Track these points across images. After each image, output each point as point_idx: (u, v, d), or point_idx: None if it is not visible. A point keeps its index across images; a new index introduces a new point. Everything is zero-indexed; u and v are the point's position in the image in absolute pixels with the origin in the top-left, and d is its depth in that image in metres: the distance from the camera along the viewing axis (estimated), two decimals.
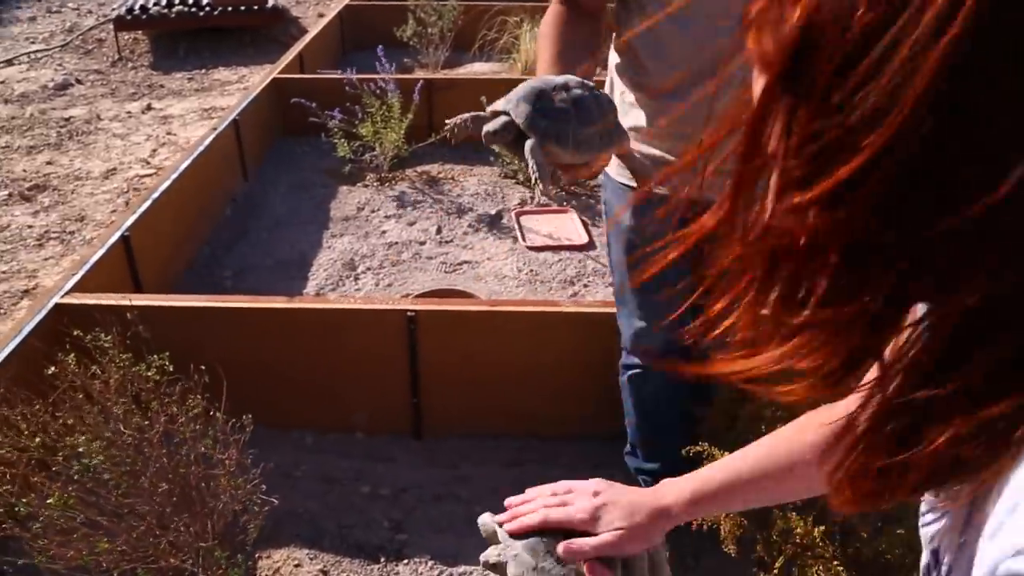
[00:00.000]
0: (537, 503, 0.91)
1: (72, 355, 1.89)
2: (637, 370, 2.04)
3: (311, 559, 2.25)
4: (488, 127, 1.26)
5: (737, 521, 1.95)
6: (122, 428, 1.78)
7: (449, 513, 2.37)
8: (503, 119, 1.25)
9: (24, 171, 4.57)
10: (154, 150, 4.88)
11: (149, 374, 1.90)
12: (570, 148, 1.26)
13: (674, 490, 0.91)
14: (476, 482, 2.36)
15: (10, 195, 4.28)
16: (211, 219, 3.92)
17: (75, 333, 1.93)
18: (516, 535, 0.88)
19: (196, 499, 1.80)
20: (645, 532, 0.88)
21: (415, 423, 2.59)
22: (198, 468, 1.82)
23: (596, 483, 0.93)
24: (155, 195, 3.25)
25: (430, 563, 2.23)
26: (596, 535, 0.87)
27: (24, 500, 1.76)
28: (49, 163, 4.67)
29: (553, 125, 1.24)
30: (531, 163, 1.23)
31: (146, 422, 1.85)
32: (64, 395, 1.86)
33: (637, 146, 1.64)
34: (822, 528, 1.81)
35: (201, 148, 3.76)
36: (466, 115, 1.32)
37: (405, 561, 2.18)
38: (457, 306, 2.32)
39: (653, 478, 2.13)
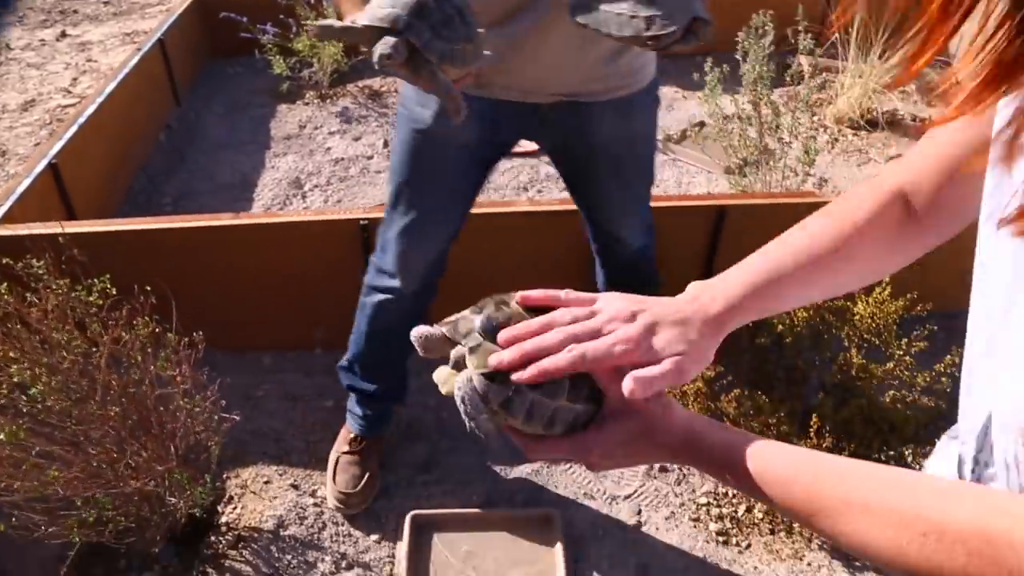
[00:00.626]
0: (557, 336, 0.71)
1: (4, 285, 1.78)
2: (388, 296, 1.93)
3: (280, 475, 2.23)
4: (380, 50, 1.17)
5: (704, 406, 1.96)
6: (64, 354, 1.69)
7: (418, 420, 2.36)
8: (392, 41, 1.16)
9: None
10: (75, 78, 4.60)
11: (91, 299, 1.81)
12: (458, 65, 1.23)
13: (718, 296, 0.74)
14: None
15: None
16: (145, 146, 3.74)
17: (4, 262, 1.82)
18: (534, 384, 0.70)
19: (154, 421, 1.74)
20: (702, 352, 0.72)
21: None
22: (151, 389, 1.75)
23: (621, 299, 0.74)
24: (80, 121, 3.06)
25: (400, 470, 2.22)
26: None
27: None
28: None
29: (448, 46, 1.19)
30: (442, 89, 1.23)
31: (95, 349, 1.77)
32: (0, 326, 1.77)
33: None
34: (786, 406, 1.84)
35: (125, 72, 3.54)
36: (335, 24, 1.25)
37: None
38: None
39: (365, 399, 2.13)
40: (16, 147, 3.89)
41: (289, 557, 2.00)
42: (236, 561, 1.99)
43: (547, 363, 0.69)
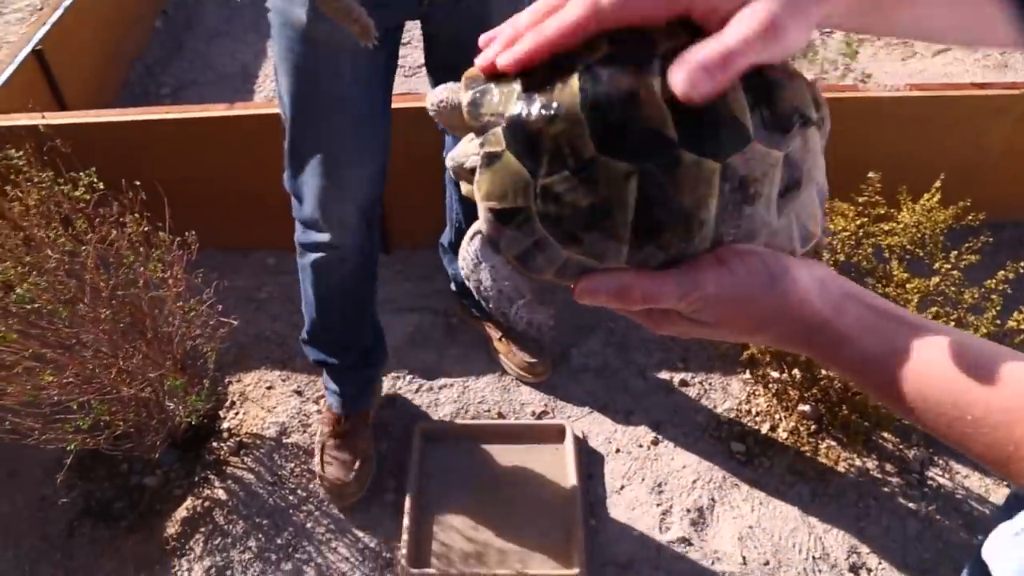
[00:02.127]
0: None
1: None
2: (321, 254, 1.66)
3: (283, 380, 2.15)
4: None
5: None
6: (49, 253, 1.58)
7: (427, 325, 2.26)
8: None
9: None
10: None
11: (77, 194, 1.69)
12: None
13: None
14: (450, 294, 2.23)
15: None
16: (140, 33, 3.52)
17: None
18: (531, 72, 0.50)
19: (148, 325, 1.64)
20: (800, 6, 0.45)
21: (383, 236, 2.41)
22: (143, 291, 1.64)
23: None
24: (66, 3, 2.85)
25: (408, 377, 2.14)
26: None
27: None
28: None
29: None
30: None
31: (82, 247, 1.65)
32: None
33: None
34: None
35: None
36: None
37: (383, 376, 2.08)
38: (411, 102, 2.07)
39: (337, 371, 1.89)
40: (7, 36, 3.69)
41: (292, 465, 1.94)
42: (238, 468, 1.93)
43: (552, 25, 0.48)
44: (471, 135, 0.54)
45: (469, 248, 0.55)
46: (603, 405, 2.07)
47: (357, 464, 1.85)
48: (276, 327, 2.28)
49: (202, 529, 1.81)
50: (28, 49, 2.59)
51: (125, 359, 1.57)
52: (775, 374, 2.00)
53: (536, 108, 0.49)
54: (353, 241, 1.63)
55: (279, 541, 1.81)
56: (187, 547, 1.79)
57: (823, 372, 1.84)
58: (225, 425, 2.03)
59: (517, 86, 0.50)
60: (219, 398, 2.08)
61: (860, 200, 1.82)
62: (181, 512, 1.84)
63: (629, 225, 0.48)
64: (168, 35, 3.63)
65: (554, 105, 0.48)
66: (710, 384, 2.10)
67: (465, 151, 0.55)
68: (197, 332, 1.86)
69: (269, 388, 2.12)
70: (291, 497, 1.88)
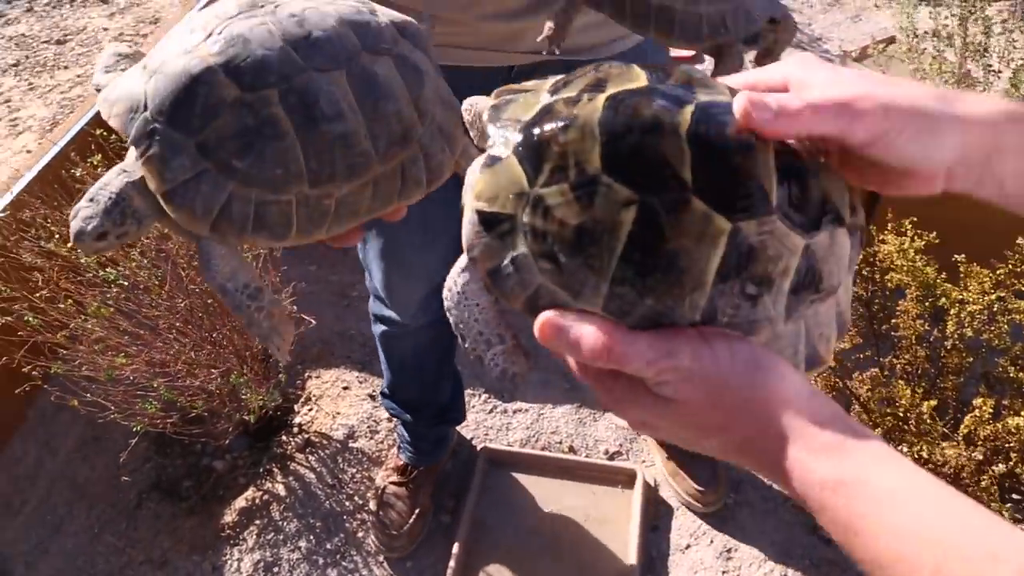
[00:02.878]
0: None
1: (99, 156, 1.73)
2: (391, 328, 1.59)
3: (360, 382, 2.14)
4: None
5: (830, 381, 1.66)
6: (142, 239, 1.63)
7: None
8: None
9: None
10: None
11: None
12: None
13: (973, 98, 0.48)
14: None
15: None
16: None
17: (98, 133, 1.76)
18: None
19: (218, 320, 1.67)
20: (919, 124, 0.45)
21: None
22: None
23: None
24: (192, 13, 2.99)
25: (484, 396, 2.08)
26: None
27: (60, 305, 1.67)
28: None
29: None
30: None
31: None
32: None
33: None
34: (932, 403, 1.51)
35: None
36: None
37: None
38: None
39: (413, 425, 1.79)
40: (168, 15, 3.92)
41: (353, 470, 1.93)
42: (301, 465, 1.94)
43: None
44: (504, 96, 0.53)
45: (457, 280, 0.52)
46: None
47: (413, 517, 1.78)
48: (362, 327, 2.27)
49: (257, 521, 1.83)
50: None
51: (195, 349, 1.59)
52: None
53: (554, 118, 0.46)
54: (424, 319, 1.52)
55: (328, 546, 1.80)
56: (241, 537, 1.81)
57: (935, 453, 1.63)
58: (297, 420, 2.04)
59: (545, 98, 0.48)
60: (295, 392, 2.10)
61: (1001, 269, 1.60)
62: (241, 501, 1.86)
63: (615, 260, 0.43)
64: None
65: (573, 115, 0.45)
66: None
67: (479, 101, 0.54)
68: None
69: (345, 388, 2.12)
70: (347, 503, 1.87)
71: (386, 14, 0.67)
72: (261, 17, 0.60)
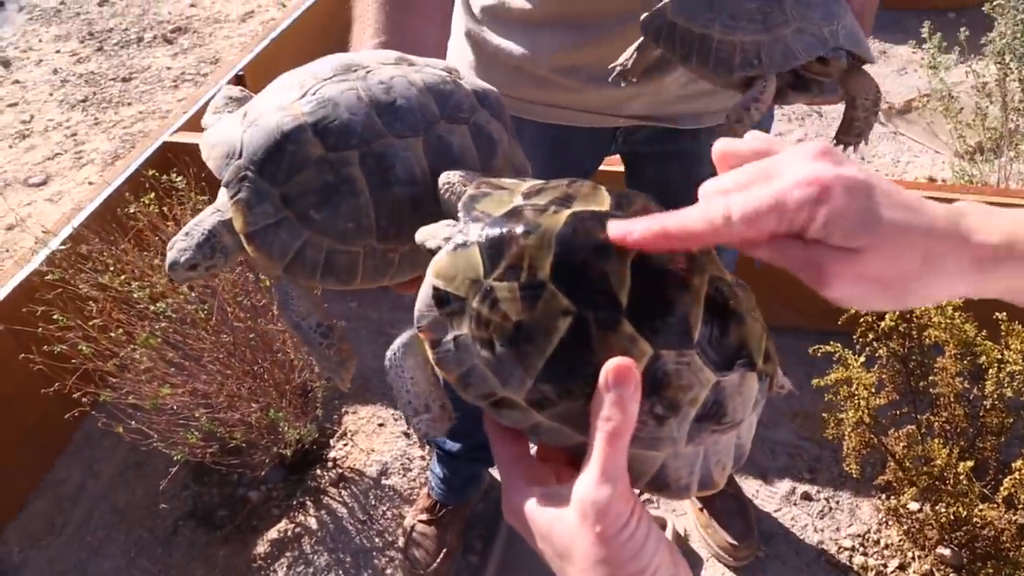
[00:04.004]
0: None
1: (152, 195, 1.81)
2: None
3: (396, 419, 2.17)
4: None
5: (864, 437, 1.64)
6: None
7: None
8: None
9: (169, 14, 4.59)
10: None
11: None
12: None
13: (981, 217, 0.48)
14: None
15: (154, 37, 4.32)
16: None
17: (150, 173, 1.84)
18: None
19: (256, 358, 1.72)
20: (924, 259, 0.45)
21: None
22: (257, 324, 1.72)
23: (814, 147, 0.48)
24: (273, 35, 3.12)
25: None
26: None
27: (111, 335, 1.74)
28: (192, 6, 4.66)
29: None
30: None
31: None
32: (142, 235, 1.81)
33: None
34: (970, 463, 1.48)
35: None
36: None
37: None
38: None
39: (448, 458, 1.78)
40: (229, 56, 4.09)
41: (385, 507, 1.95)
42: (335, 500, 1.97)
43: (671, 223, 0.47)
44: (449, 220, 0.56)
45: (397, 352, 0.57)
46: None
47: (440, 556, 1.79)
48: None
49: (288, 554, 1.86)
50: (232, 74, 2.84)
51: (238, 382, 1.64)
52: (915, 506, 1.76)
53: (520, 221, 0.50)
54: None
55: None
56: (272, 568, 1.84)
57: (974, 514, 1.60)
58: (332, 454, 2.07)
59: (518, 200, 0.53)
60: (331, 427, 2.14)
61: None
62: (273, 533, 1.89)
63: (543, 360, 0.48)
64: None
65: (536, 223, 0.50)
66: (837, 503, 1.89)
67: (434, 231, 0.55)
68: (305, 371, 1.93)
69: (380, 425, 2.16)
70: (377, 540, 1.89)
71: (468, 82, 0.72)
72: (352, 82, 0.65)
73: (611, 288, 0.47)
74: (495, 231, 0.50)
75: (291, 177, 0.63)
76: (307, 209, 0.63)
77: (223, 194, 0.66)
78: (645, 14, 0.89)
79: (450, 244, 0.51)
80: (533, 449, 0.53)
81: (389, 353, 0.57)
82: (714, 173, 0.55)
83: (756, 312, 0.53)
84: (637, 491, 0.50)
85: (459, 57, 1.27)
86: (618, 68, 0.98)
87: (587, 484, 0.45)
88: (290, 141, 0.63)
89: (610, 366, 0.45)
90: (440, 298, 0.50)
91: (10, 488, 2.01)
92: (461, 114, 0.68)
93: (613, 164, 1.48)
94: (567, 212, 0.50)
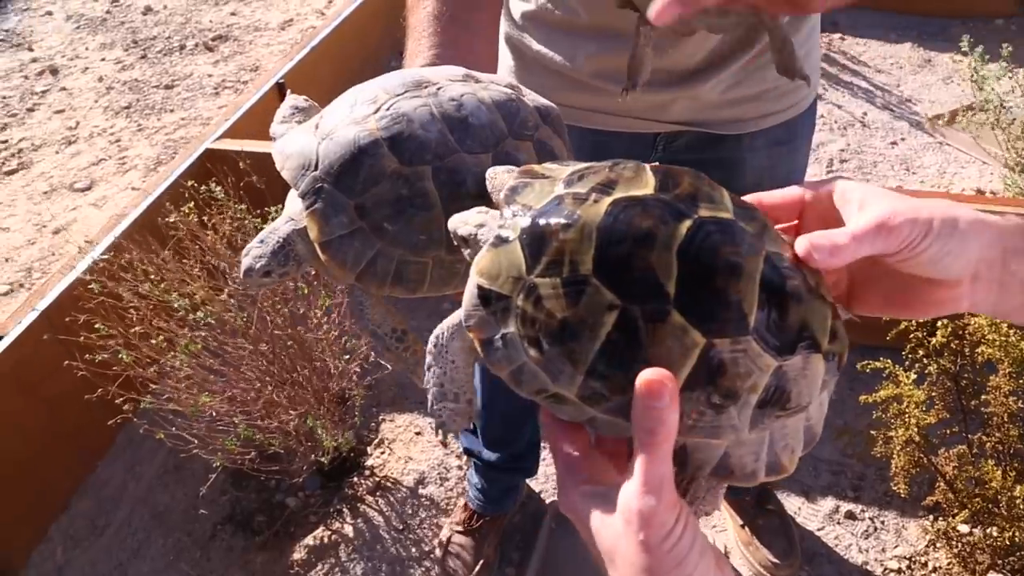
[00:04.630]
0: None
1: (191, 204, 1.83)
2: None
3: (433, 428, 2.17)
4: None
5: (914, 457, 1.60)
6: (231, 282, 1.71)
7: None
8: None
9: (211, 22, 4.65)
10: (330, 1, 4.80)
11: (265, 226, 1.81)
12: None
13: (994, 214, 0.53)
14: None
15: (196, 45, 4.39)
16: (376, 70, 3.79)
17: (189, 184, 1.86)
18: None
19: (300, 364, 1.72)
20: (944, 238, 0.50)
21: None
22: (296, 331, 1.72)
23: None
24: (313, 43, 3.15)
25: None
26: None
27: (152, 341, 1.76)
28: (233, 14, 4.73)
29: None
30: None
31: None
32: (182, 245, 1.82)
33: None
34: None
35: None
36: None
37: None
38: None
39: (486, 468, 1.76)
40: (268, 63, 4.14)
41: (421, 516, 1.95)
42: (371, 508, 1.96)
43: None
44: (482, 208, 0.56)
45: (445, 333, 0.57)
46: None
47: (477, 568, 1.78)
48: None
49: (325, 561, 1.86)
50: (272, 81, 2.87)
51: (276, 390, 1.65)
52: (965, 528, 1.71)
53: (560, 212, 0.49)
54: None
55: None
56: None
57: None
58: (369, 462, 2.08)
59: (559, 188, 0.51)
60: (369, 435, 2.14)
61: None
62: (310, 540, 1.90)
63: (591, 356, 0.46)
64: None
65: (576, 215, 0.48)
66: (882, 523, 1.84)
67: (466, 218, 0.55)
68: (355, 369, 1.93)
69: (417, 434, 2.15)
70: (413, 549, 1.88)
71: (531, 99, 0.73)
72: (424, 98, 0.67)
73: (657, 278, 0.46)
74: (535, 225, 0.49)
75: (367, 190, 0.64)
76: (381, 221, 0.64)
77: (296, 203, 0.67)
78: None
79: (493, 238, 0.51)
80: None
81: (437, 331, 0.57)
82: (754, 181, 0.57)
83: (822, 288, 0.51)
84: (703, 480, 0.51)
85: (500, 62, 1.27)
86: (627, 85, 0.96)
87: (631, 493, 0.45)
88: (366, 155, 0.64)
89: (641, 380, 0.44)
90: (485, 296, 0.50)
91: (55, 489, 2.04)
92: (526, 131, 0.70)
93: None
94: (608, 200, 0.48)
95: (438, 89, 0.68)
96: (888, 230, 0.49)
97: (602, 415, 0.48)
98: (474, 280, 0.51)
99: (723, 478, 0.49)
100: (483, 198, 0.64)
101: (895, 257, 0.50)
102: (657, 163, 0.52)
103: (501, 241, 0.50)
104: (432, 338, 0.58)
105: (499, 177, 0.58)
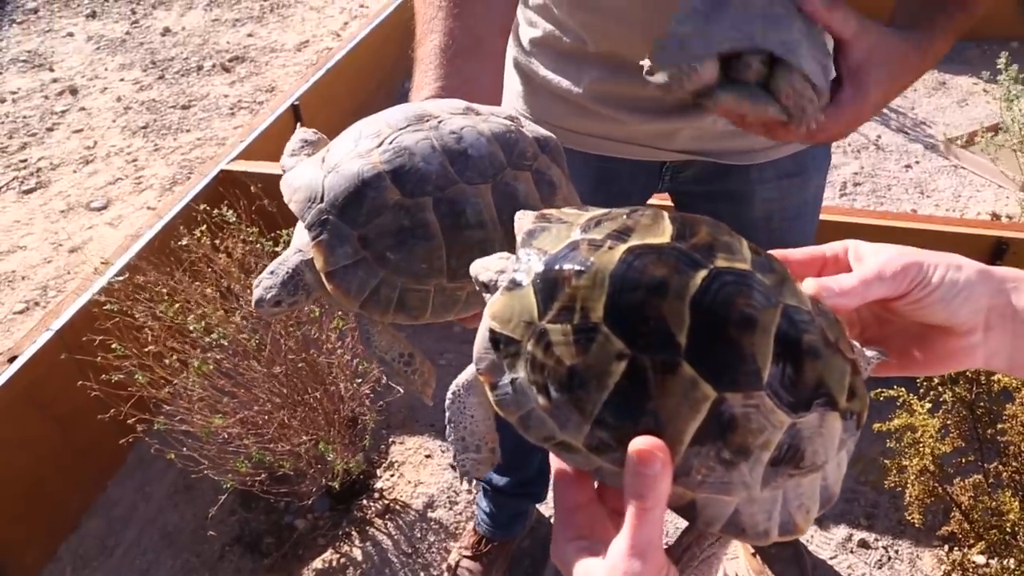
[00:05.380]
0: None
1: (203, 227, 1.84)
2: None
3: (443, 451, 2.16)
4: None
5: (928, 486, 1.58)
6: (243, 304, 1.71)
7: None
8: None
9: (228, 43, 4.72)
10: (346, 23, 4.85)
11: (277, 250, 1.82)
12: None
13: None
14: None
15: (213, 66, 4.45)
16: (390, 93, 3.84)
17: (202, 207, 1.88)
18: None
19: (312, 387, 1.73)
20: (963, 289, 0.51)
21: None
22: (309, 354, 1.73)
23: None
24: (329, 64, 3.18)
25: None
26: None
27: (166, 361, 1.77)
28: (250, 35, 4.79)
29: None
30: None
31: None
32: (196, 267, 1.84)
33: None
34: None
35: (381, 18, 3.64)
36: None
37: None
38: None
39: (495, 493, 1.75)
40: (284, 84, 4.18)
41: (430, 540, 1.94)
42: (380, 531, 1.96)
43: None
44: (504, 253, 0.57)
45: (461, 389, 0.58)
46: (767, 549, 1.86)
47: None
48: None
49: None
50: (288, 103, 2.90)
51: (288, 412, 1.65)
52: (980, 559, 1.68)
53: (574, 258, 0.48)
54: None
55: None
56: None
57: None
58: (378, 485, 2.07)
59: (576, 234, 0.51)
60: (378, 457, 2.14)
61: None
62: (318, 563, 1.89)
63: (599, 405, 0.46)
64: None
65: (590, 261, 0.48)
66: (896, 552, 1.82)
67: (487, 264, 0.56)
68: (366, 392, 1.93)
69: (427, 457, 2.15)
70: (422, 573, 1.87)
71: (530, 129, 0.75)
72: (426, 132, 0.68)
73: (669, 328, 0.45)
74: (549, 270, 0.49)
75: (370, 221, 0.66)
76: (384, 251, 0.66)
77: (304, 235, 0.69)
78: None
79: (507, 282, 0.51)
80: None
81: (453, 387, 0.58)
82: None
83: (843, 342, 0.49)
84: (714, 535, 0.50)
85: (507, 86, 1.28)
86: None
87: (618, 553, 0.44)
88: (369, 187, 0.66)
89: (633, 448, 0.43)
90: (496, 340, 0.50)
91: (65, 508, 2.04)
92: (525, 161, 0.72)
93: (663, 199, 1.46)
94: (623, 247, 0.48)
95: (439, 122, 0.70)
96: (894, 272, 0.50)
97: (608, 465, 0.47)
98: (486, 324, 0.50)
99: (735, 536, 0.48)
100: (483, 227, 0.67)
101: (905, 300, 0.50)
102: (672, 208, 0.52)
103: (515, 285, 0.50)
104: (449, 394, 0.58)
105: (520, 220, 0.57)
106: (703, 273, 0.46)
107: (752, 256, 0.49)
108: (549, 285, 0.48)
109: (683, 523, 0.50)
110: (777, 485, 0.47)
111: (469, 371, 0.57)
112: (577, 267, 0.48)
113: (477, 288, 0.57)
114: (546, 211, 0.56)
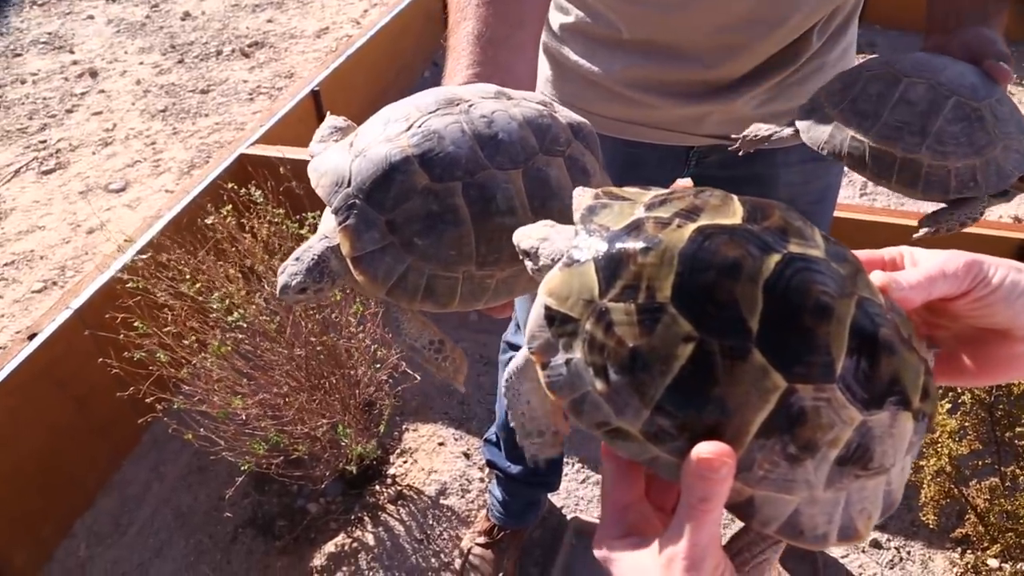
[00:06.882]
0: None
1: (229, 206, 1.85)
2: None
3: (456, 439, 2.17)
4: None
5: (944, 487, 1.58)
6: (266, 286, 1.72)
7: None
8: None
9: (247, 28, 4.72)
10: (366, 10, 4.85)
11: (303, 232, 1.83)
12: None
13: None
14: None
15: (232, 51, 4.45)
16: (409, 80, 3.84)
17: (229, 186, 1.89)
18: None
19: (331, 372, 1.73)
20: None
21: None
22: (329, 338, 1.73)
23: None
24: (349, 51, 3.18)
25: (577, 465, 2.07)
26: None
27: (185, 341, 1.78)
28: (270, 21, 4.80)
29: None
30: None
31: None
32: (220, 246, 1.84)
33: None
34: None
35: (402, 6, 3.63)
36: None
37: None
38: None
39: (508, 481, 1.75)
40: (303, 71, 4.19)
41: (442, 527, 1.94)
42: (392, 517, 1.97)
43: None
44: (548, 221, 0.55)
45: (514, 376, 0.56)
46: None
47: None
48: None
49: (344, 568, 1.86)
50: (308, 89, 2.90)
51: (307, 395, 1.66)
52: (994, 562, 1.68)
53: (639, 237, 0.46)
54: None
55: None
56: None
57: None
58: (391, 471, 2.08)
59: (640, 212, 0.48)
60: (392, 444, 2.14)
61: None
62: (331, 546, 1.90)
63: (661, 390, 0.43)
64: (434, 83, 3.91)
65: (657, 239, 0.45)
66: (908, 553, 1.81)
67: (530, 232, 0.54)
68: (384, 378, 1.94)
69: (440, 444, 2.15)
70: (433, 560, 1.88)
71: (564, 115, 0.73)
72: (456, 116, 0.67)
73: (740, 312, 0.42)
74: (612, 247, 0.46)
75: (397, 206, 0.64)
76: (412, 236, 0.64)
77: (331, 221, 0.67)
78: (802, 112, 0.93)
79: (565, 258, 0.48)
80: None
81: (506, 375, 0.56)
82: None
83: (915, 341, 0.47)
84: (769, 539, 0.48)
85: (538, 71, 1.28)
86: (740, 139, 1.00)
87: (676, 554, 0.42)
88: (397, 172, 0.64)
89: (695, 455, 0.41)
90: (552, 318, 0.47)
91: (81, 485, 2.06)
92: (558, 147, 0.70)
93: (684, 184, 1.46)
94: (693, 226, 0.45)
95: (470, 106, 0.68)
96: (956, 269, 0.49)
97: (666, 455, 0.44)
98: (542, 300, 0.48)
99: (791, 538, 0.45)
100: (513, 214, 0.64)
101: (967, 299, 0.49)
102: (730, 193, 0.51)
103: (573, 261, 0.47)
104: (502, 383, 0.57)
105: (580, 197, 0.55)
106: (776, 257, 0.44)
107: (825, 244, 0.47)
108: (612, 262, 0.45)
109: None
110: (841, 486, 0.44)
111: (521, 355, 0.55)
112: (643, 244, 0.45)
113: (520, 256, 0.54)
114: (607, 188, 0.54)
